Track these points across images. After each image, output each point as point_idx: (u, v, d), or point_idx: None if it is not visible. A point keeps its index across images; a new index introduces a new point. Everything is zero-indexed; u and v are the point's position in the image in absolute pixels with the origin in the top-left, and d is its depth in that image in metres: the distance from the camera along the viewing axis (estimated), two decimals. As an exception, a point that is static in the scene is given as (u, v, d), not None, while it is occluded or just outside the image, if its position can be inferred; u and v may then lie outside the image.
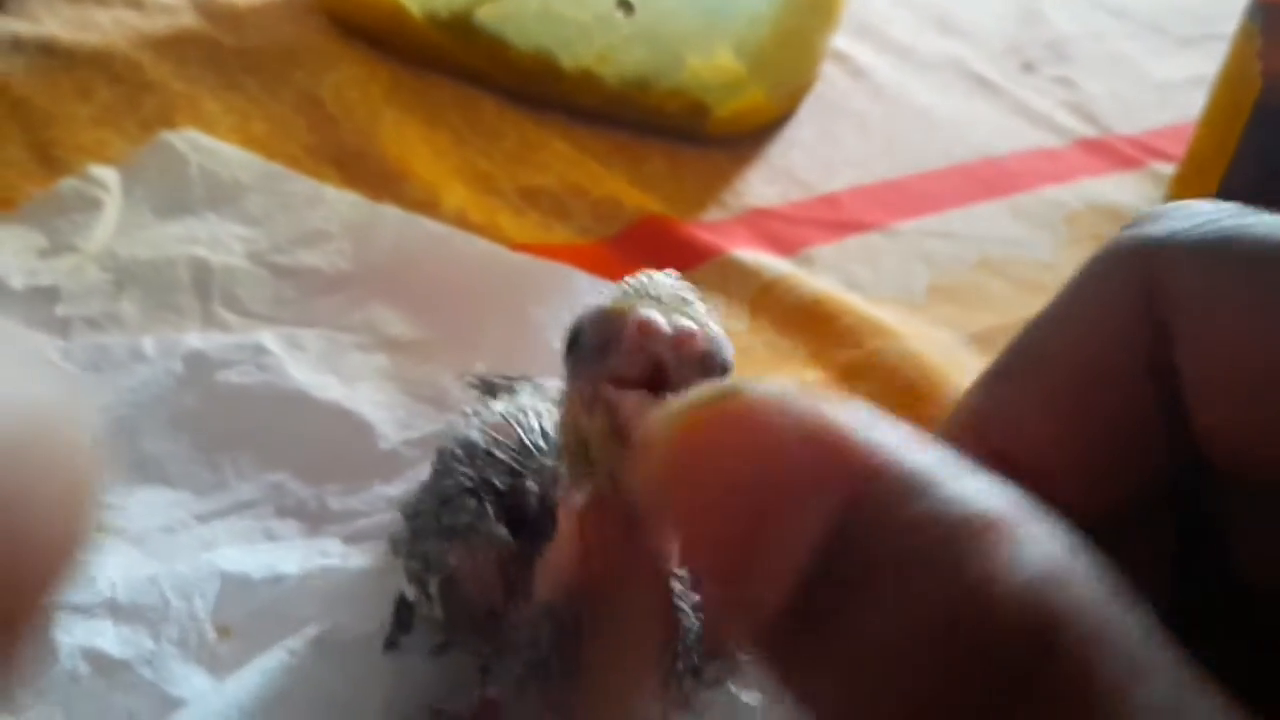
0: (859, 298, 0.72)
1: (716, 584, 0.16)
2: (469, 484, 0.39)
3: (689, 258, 0.74)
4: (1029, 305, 0.77)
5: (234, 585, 0.44)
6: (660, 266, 0.72)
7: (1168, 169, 0.91)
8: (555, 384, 0.45)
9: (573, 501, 0.34)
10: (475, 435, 0.41)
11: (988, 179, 0.89)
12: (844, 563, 0.15)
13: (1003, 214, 0.85)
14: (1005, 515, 0.15)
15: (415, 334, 0.61)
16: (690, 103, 0.84)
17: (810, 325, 0.69)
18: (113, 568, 0.45)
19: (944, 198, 0.86)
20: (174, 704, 0.40)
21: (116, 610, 0.42)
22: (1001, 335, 0.72)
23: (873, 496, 0.15)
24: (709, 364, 0.30)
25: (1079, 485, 0.23)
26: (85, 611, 0.42)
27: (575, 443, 0.31)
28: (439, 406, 0.57)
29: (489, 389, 0.50)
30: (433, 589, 0.39)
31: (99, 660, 0.41)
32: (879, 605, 0.14)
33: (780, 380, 0.20)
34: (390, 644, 0.42)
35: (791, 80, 0.89)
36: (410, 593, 0.41)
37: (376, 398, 0.57)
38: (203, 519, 0.50)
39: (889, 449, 0.16)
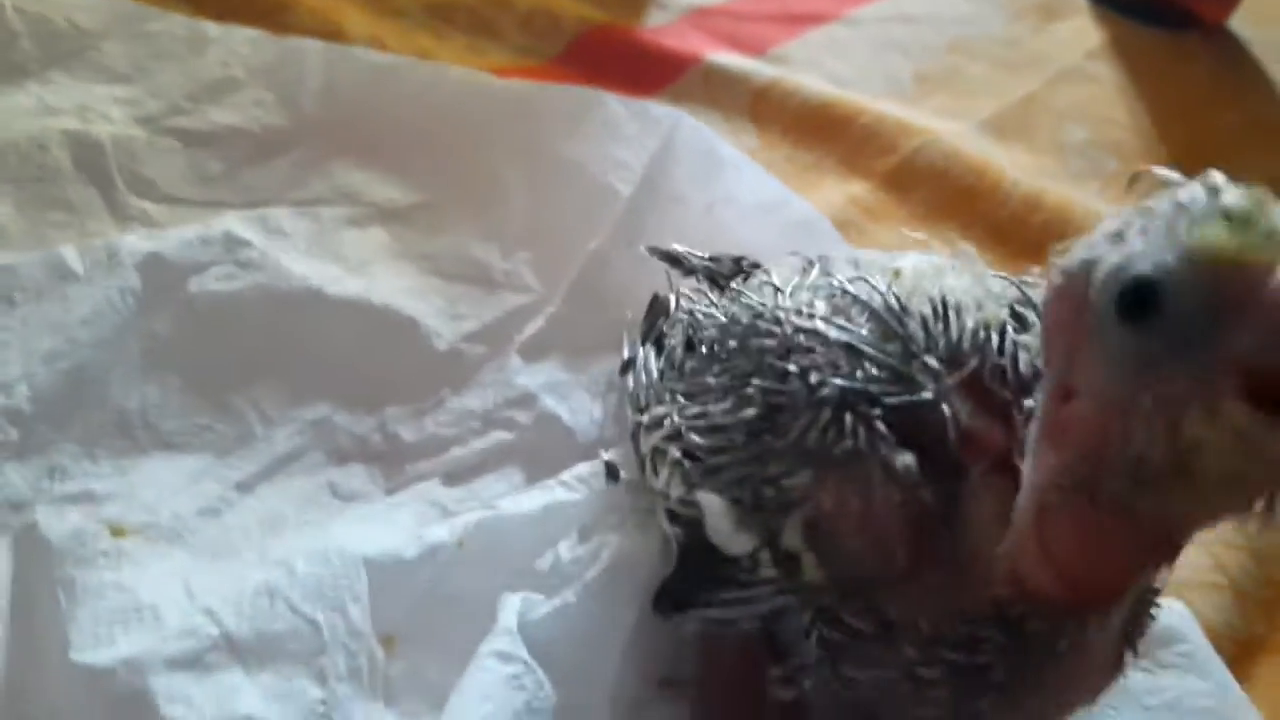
0: (855, 94, 0.63)
1: None
2: (827, 390, 0.26)
3: (660, 71, 0.61)
4: (1018, 86, 0.70)
5: (385, 575, 0.30)
6: (627, 83, 0.60)
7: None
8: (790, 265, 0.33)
9: (1033, 487, 0.23)
10: (804, 320, 0.28)
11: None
12: None
13: (943, -10, 0.77)
14: None
15: (411, 196, 0.46)
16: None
17: (827, 132, 0.59)
18: (178, 585, 0.30)
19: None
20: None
21: (238, 650, 0.28)
22: (1009, 120, 0.65)
23: None
24: None
25: None
26: (195, 664, 0.27)
27: (1163, 455, 0.20)
28: (485, 285, 0.43)
29: (715, 274, 0.37)
30: (791, 538, 0.27)
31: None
32: None
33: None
34: (676, 605, 0.30)
35: None
36: (738, 542, 0.28)
37: (400, 284, 0.42)
38: (245, 488, 0.35)
39: None
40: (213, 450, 0.36)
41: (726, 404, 0.29)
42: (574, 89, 0.48)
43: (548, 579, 0.32)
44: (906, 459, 0.25)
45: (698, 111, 0.59)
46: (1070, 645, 0.25)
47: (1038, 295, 0.29)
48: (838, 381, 0.27)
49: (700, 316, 0.32)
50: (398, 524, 0.34)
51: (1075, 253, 0.23)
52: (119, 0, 0.53)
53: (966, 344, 0.27)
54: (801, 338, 0.28)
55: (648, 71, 0.61)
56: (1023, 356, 0.26)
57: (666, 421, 0.30)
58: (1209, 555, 0.41)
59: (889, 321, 0.27)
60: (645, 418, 0.32)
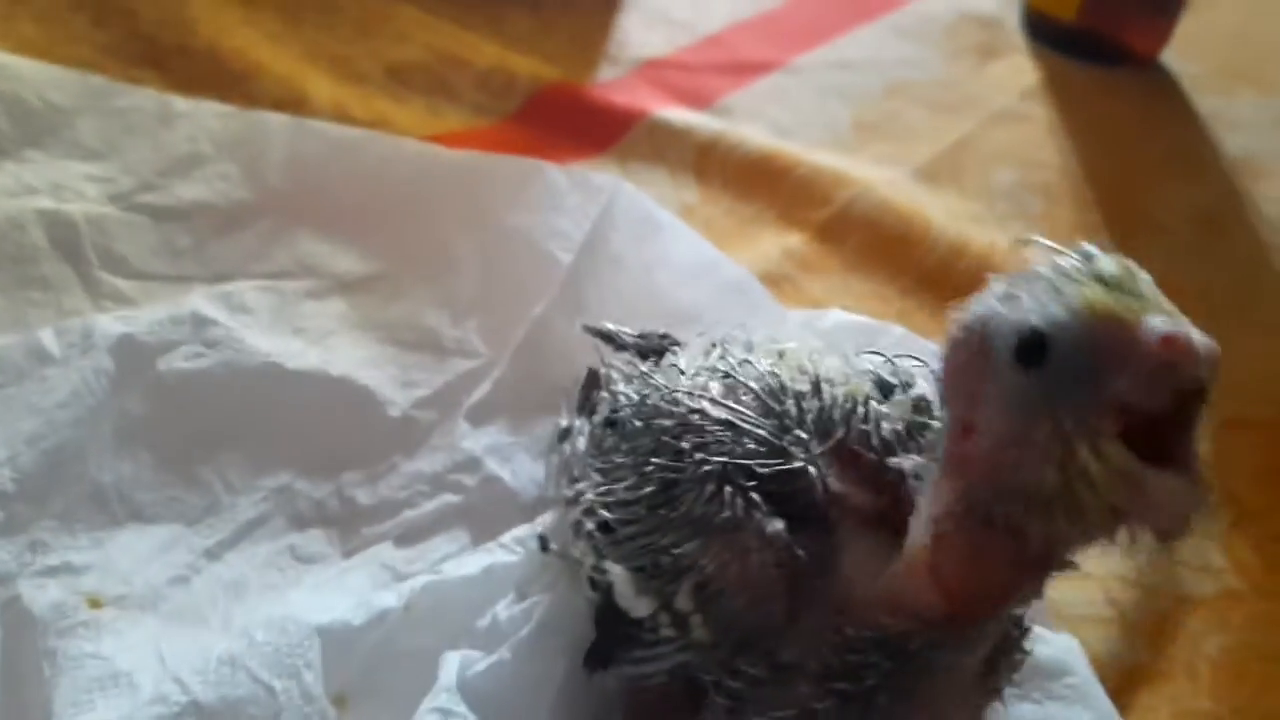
0: (795, 145, 0.66)
1: None
2: (710, 465, 0.30)
3: (609, 128, 0.64)
4: (953, 130, 0.73)
5: (336, 640, 0.34)
6: (577, 140, 0.64)
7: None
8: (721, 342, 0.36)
9: (929, 518, 0.27)
10: (695, 402, 0.31)
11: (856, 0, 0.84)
12: None
13: (886, 35, 0.80)
14: None
15: (368, 267, 0.50)
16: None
17: (766, 184, 0.62)
18: (151, 654, 0.33)
19: (825, 25, 0.80)
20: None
21: (205, 715, 0.31)
22: (942, 166, 0.69)
23: None
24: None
25: None
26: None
27: (1052, 482, 0.24)
28: (436, 352, 0.47)
29: (643, 349, 0.40)
30: (683, 601, 0.31)
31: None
32: None
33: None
34: (600, 663, 0.33)
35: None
36: (640, 606, 0.32)
37: (357, 354, 0.46)
38: (213, 555, 0.39)
39: None
40: (183, 520, 0.39)
41: (631, 481, 0.33)
42: (517, 160, 0.51)
43: (486, 637, 0.35)
44: (776, 525, 0.29)
45: (644, 167, 0.63)
46: (945, 663, 0.29)
47: (903, 367, 0.33)
48: (719, 458, 0.30)
49: (619, 395, 0.36)
50: (350, 589, 0.37)
51: (971, 309, 0.27)
52: (90, 76, 0.56)
53: (835, 416, 0.31)
54: (694, 418, 0.32)
55: (597, 128, 0.64)
56: (884, 424, 0.31)
57: (583, 497, 0.34)
58: (1102, 590, 0.45)
59: (768, 400, 0.31)
60: (571, 491, 0.35)
